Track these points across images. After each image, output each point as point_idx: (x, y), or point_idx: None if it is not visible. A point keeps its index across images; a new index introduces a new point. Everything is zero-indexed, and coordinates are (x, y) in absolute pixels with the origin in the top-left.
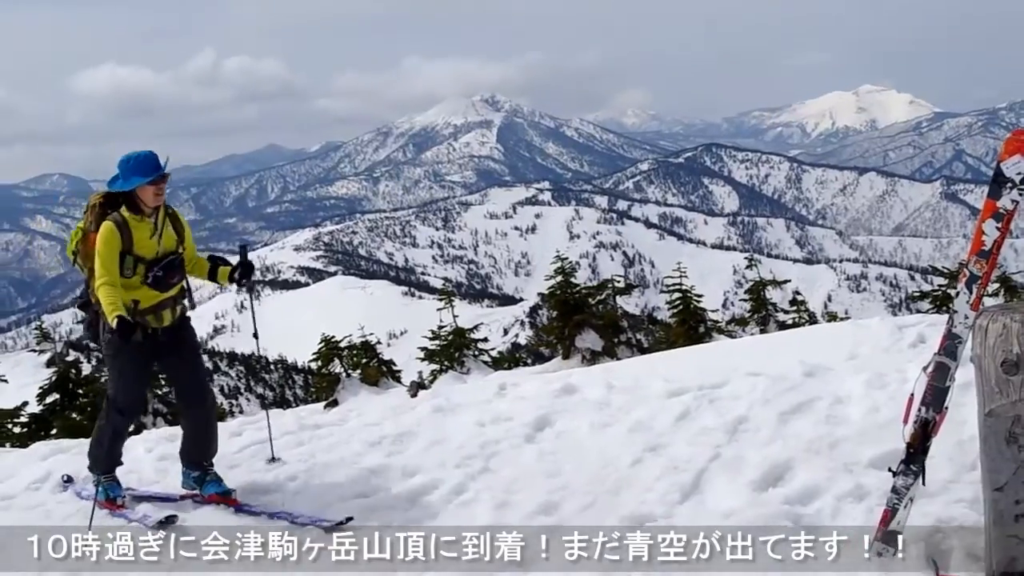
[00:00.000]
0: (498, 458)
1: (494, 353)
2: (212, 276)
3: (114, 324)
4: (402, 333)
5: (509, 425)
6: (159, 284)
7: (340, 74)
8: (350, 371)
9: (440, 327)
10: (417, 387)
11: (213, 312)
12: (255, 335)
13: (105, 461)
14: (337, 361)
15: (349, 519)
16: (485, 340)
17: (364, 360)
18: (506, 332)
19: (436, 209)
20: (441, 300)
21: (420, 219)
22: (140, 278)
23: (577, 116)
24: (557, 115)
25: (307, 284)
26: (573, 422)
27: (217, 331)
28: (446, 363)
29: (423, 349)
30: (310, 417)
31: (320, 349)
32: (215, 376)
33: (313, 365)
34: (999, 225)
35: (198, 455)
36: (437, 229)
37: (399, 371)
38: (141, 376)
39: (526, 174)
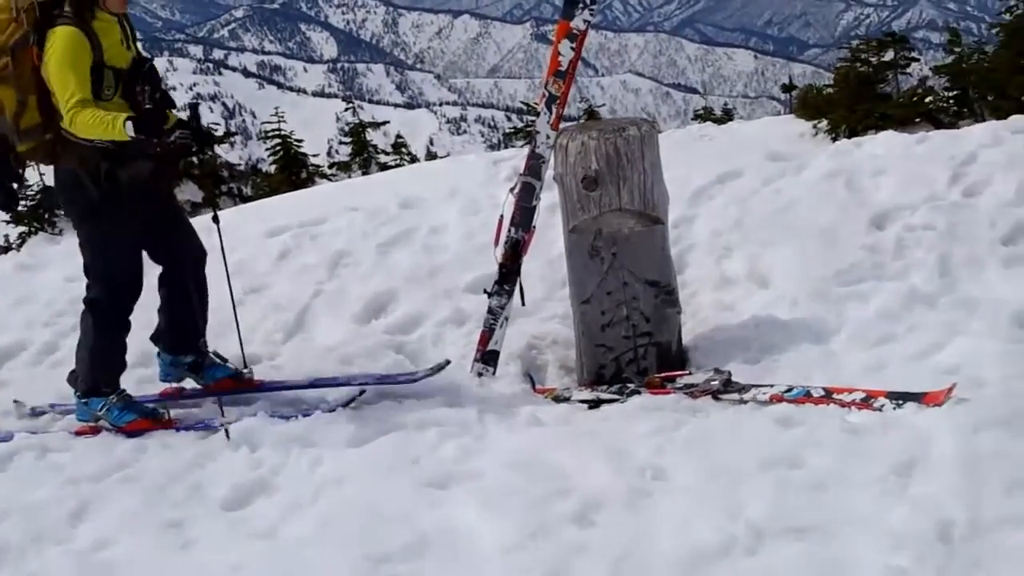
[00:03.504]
0: None
1: None
2: None
3: (130, 132)
4: None
5: None
6: (147, 101)
7: None
8: None
9: (26, 187)
10: (2, 251)
11: None
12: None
13: (112, 372)
14: None
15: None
16: None
17: None
18: None
19: None
20: None
21: None
22: (120, 96)
23: None
24: None
25: None
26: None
27: None
28: (35, 225)
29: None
30: None
31: None
32: None
33: None
34: (574, 45)
35: (193, 333)
36: None
37: None
38: (135, 239)
39: None
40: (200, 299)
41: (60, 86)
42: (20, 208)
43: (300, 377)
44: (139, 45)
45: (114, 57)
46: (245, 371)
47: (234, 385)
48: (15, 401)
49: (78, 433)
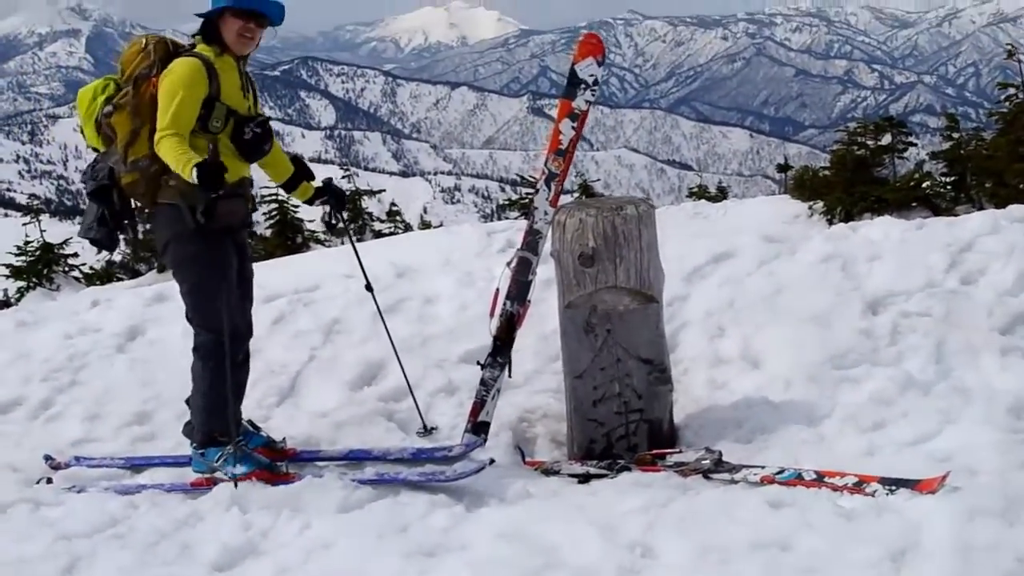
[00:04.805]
0: (87, 370)
1: (87, 269)
2: (291, 185)
3: (192, 175)
4: None
5: (98, 336)
6: (254, 148)
7: None
8: None
9: (27, 243)
10: (2, 305)
11: None
12: (368, 287)
13: (224, 420)
14: None
15: (492, 461)
16: (76, 255)
17: None
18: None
19: (22, 122)
20: (27, 216)
21: (4, 133)
22: (228, 135)
23: (171, 27)
24: (150, 25)
25: None
26: (166, 330)
27: None
28: (34, 280)
29: (8, 266)
30: None
31: None
32: None
33: None
34: (575, 125)
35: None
36: (23, 143)
37: None
38: (232, 281)
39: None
40: (247, 372)
41: (161, 111)
42: (19, 264)
43: (335, 448)
44: (258, 104)
45: (231, 98)
46: (279, 441)
47: (268, 454)
48: (45, 456)
49: (194, 485)
